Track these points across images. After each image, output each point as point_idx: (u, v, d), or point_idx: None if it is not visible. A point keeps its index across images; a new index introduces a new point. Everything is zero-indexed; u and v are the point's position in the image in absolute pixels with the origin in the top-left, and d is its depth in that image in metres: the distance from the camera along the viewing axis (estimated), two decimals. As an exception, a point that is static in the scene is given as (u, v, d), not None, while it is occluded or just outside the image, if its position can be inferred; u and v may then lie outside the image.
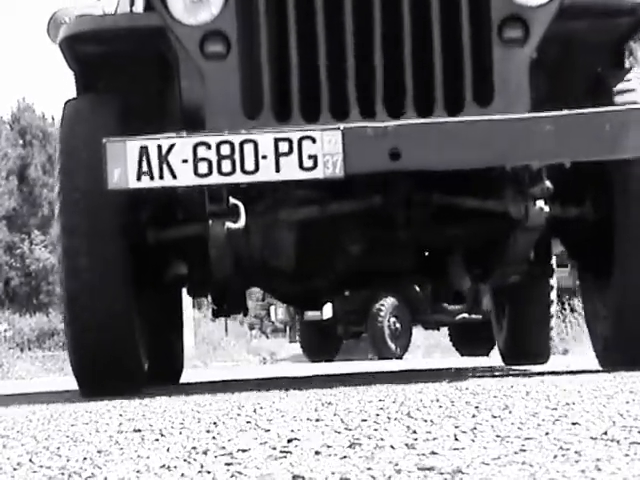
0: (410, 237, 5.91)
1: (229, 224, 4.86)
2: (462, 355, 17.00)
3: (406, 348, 16.88)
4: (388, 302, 16.54)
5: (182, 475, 2.10)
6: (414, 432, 2.59)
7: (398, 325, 16.55)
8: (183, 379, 8.62)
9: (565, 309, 18.82)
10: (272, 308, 18.42)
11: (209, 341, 25.97)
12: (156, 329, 6.66)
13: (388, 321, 16.41)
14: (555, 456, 2.01)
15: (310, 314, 16.03)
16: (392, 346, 16.58)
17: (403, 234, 5.67)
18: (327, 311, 16.38)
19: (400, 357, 16.12)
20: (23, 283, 38.74)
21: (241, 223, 4.93)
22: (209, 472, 2.10)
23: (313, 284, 6.42)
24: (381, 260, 6.27)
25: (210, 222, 4.89)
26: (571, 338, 16.66)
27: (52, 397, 6.23)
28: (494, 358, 14.05)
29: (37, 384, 11.96)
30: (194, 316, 25.79)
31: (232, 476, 2.04)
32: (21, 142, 41.46)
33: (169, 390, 6.02)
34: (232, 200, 4.89)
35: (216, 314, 7.22)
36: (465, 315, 16.62)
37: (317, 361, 16.47)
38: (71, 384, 6.83)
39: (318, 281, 6.32)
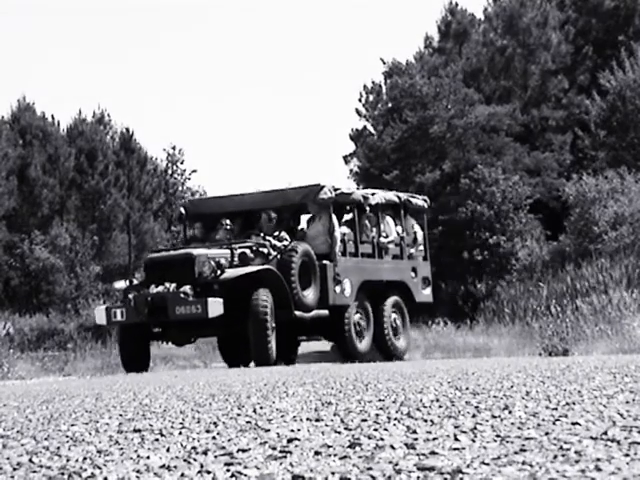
0: None
1: None
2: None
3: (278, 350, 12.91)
4: (266, 294, 12.29)
5: (182, 475, 2.10)
6: (414, 432, 2.59)
7: (274, 324, 12.75)
8: (183, 379, 8.57)
9: (566, 309, 18.79)
10: (113, 310, 14.36)
11: (209, 341, 25.96)
12: None
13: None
14: (555, 456, 2.00)
15: (183, 310, 12.52)
16: (273, 348, 12.42)
17: None
18: (216, 308, 12.37)
19: (275, 363, 12.52)
20: (23, 283, 38.65)
21: None
22: (209, 472, 2.10)
23: None
24: None
25: None
26: (571, 338, 16.60)
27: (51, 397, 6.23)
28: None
29: (37, 384, 11.96)
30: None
31: (232, 476, 2.04)
32: (21, 142, 41.34)
33: (168, 390, 6.02)
34: None
35: None
36: (318, 311, 13.80)
37: (132, 371, 13.58)
38: (70, 384, 6.83)
39: None
